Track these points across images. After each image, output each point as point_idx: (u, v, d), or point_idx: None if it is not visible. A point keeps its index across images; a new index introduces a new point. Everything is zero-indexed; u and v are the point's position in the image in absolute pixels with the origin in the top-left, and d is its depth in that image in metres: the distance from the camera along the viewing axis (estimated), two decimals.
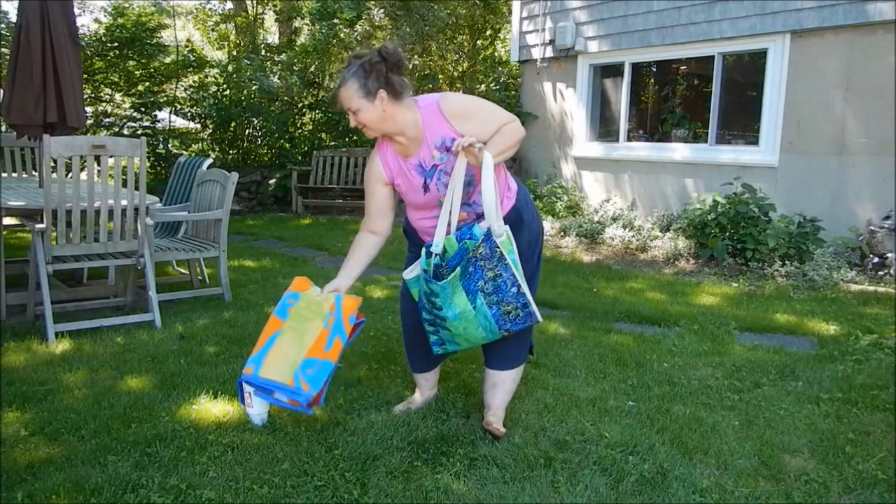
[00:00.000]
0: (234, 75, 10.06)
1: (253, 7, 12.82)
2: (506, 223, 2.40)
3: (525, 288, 2.33)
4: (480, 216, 2.41)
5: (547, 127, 8.80)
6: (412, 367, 2.82)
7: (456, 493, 2.14)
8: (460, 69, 12.27)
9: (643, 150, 7.83)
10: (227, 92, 10.30)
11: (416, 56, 10.78)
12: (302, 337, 2.39)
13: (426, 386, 2.82)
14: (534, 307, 2.35)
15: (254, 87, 9.85)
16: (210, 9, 13.04)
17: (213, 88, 10.57)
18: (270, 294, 4.70)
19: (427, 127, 2.36)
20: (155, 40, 10.32)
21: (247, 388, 2.69)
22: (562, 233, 7.36)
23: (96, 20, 11.45)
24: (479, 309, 2.31)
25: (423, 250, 2.37)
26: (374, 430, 2.53)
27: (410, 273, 2.47)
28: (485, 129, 2.36)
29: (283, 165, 10.31)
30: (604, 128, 8.40)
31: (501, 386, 2.61)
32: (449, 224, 2.40)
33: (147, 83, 10.46)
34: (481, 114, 2.40)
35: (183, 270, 5.20)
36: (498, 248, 2.30)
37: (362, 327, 2.56)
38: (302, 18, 11.61)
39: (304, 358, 2.33)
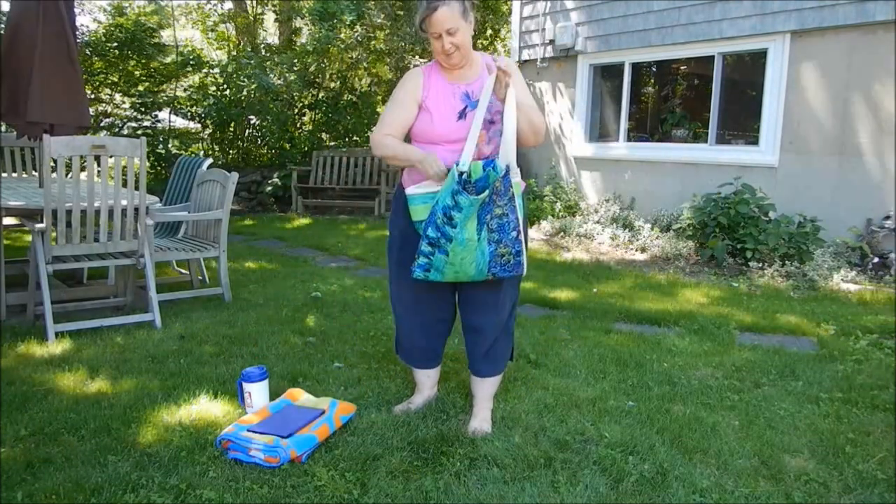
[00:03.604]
0: (234, 75, 10.07)
1: (253, 7, 12.82)
2: None
3: (523, 236, 2.38)
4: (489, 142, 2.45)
5: (547, 127, 8.78)
6: (413, 363, 2.81)
7: (456, 493, 2.14)
8: None
9: (643, 150, 7.83)
10: (227, 92, 10.31)
11: (416, 56, 10.78)
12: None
13: (426, 385, 2.83)
14: (524, 258, 2.40)
15: (253, 86, 9.84)
16: (210, 9, 13.02)
17: (213, 89, 10.58)
18: (270, 294, 4.70)
19: (487, 63, 2.49)
20: (154, 40, 10.32)
21: (247, 387, 2.70)
22: (561, 233, 7.36)
23: (95, 20, 11.45)
24: (481, 242, 2.33)
25: (455, 166, 2.35)
26: (374, 430, 2.53)
27: (417, 189, 2.42)
28: (523, 99, 2.48)
29: (283, 165, 10.31)
30: (604, 128, 8.40)
31: (489, 381, 2.70)
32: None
33: (147, 83, 10.46)
34: (526, 90, 2.54)
35: (183, 270, 5.20)
36: (511, 187, 2.34)
37: (353, 416, 2.66)
38: (302, 18, 11.61)
39: None
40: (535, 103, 2.54)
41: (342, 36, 10.41)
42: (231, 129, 10.84)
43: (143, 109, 10.26)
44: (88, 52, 9.59)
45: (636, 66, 7.93)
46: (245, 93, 10.17)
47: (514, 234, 2.35)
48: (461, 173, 2.32)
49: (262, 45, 12.40)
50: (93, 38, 9.88)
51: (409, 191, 2.43)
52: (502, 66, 2.34)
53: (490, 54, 2.61)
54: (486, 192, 2.28)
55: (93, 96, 9.90)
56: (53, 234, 3.55)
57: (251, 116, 10.62)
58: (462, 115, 2.46)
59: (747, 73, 7.28)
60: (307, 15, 10.78)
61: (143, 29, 10.07)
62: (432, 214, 2.34)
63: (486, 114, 2.41)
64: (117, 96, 10.50)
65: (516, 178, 2.38)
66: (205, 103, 10.22)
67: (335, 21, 10.12)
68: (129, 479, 2.15)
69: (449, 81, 2.51)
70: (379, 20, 10.75)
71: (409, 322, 2.73)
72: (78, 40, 4.31)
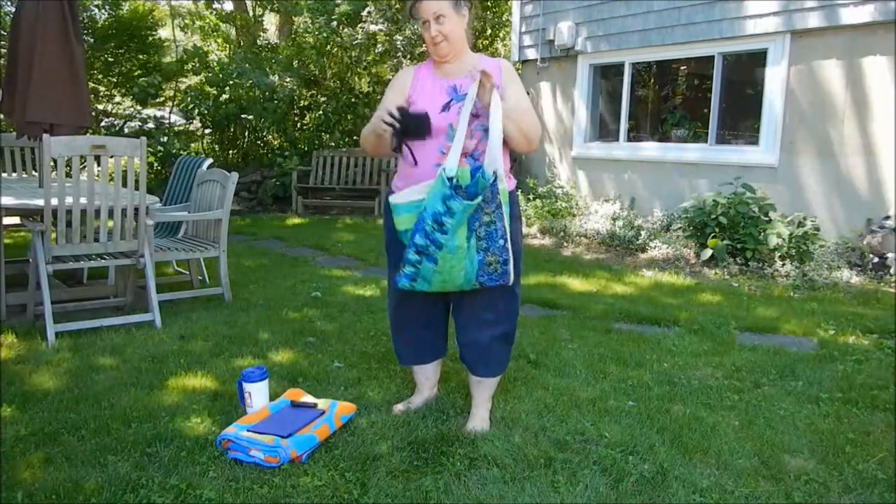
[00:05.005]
0: (234, 75, 10.06)
1: (253, 7, 12.82)
2: None
3: (509, 245, 2.34)
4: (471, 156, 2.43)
5: (547, 127, 8.80)
6: (410, 360, 2.79)
7: (456, 493, 2.14)
8: None
9: (643, 150, 7.83)
10: (227, 92, 10.31)
11: (413, 61, 10.78)
12: None
13: (426, 385, 2.82)
14: (511, 267, 2.35)
15: (247, 84, 9.83)
16: (211, 9, 13.02)
17: (213, 89, 10.57)
18: (270, 294, 4.70)
19: (483, 65, 2.47)
20: (154, 37, 10.32)
21: (247, 387, 2.70)
22: (561, 232, 7.36)
23: (92, 17, 11.43)
24: (470, 250, 2.30)
25: (442, 170, 2.29)
26: (374, 430, 2.53)
27: (400, 197, 2.34)
28: (514, 104, 2.46)
29: (283, 165, 10.31)
30: (604, 128, 8.40)
31: (487, 382, 2.67)
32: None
33: (146, 82, 10.47)
34: (524, 97, 2.52)
35: (183, 270, 5.20)
36: (499, 194, 2.31)
37: (353, 416, 2.65)
38: (300, 15, 11.61)
39: None
40: (529, 105, 2.51)
41: (343, 36, 10.39)
42: (231, 129, 10.83)
43: (142, 108, 10.26)
44: (88, 52, 9.59)
45: (636, 66, 7.93)
46: (245, 93, 10.15)
47: (501, 241, 2.31)
48: (450, 178, 2.27)
49: (263, 46, 12.40)
50: (96, 35, 9.87)
51: (393, 199, 2.35)
52: (488, 69, 2.33)
53: (489, 56, 2.60)
54: (479, 197, 2.25)
55: (93, 96, 9.90)
56: (53, 234, 3.55)
57: (251, 116, 10.61)
58: (446, 107, 2.43)
59: (747, 73, 7.29)
60: (305, 9, 10.78)
61: (141, 19, 10.03)
62: (420, 222, 2.28)
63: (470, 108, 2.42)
64: (117, 96, 10.50)
65: (502, 184, 2.33)
66: (205, 103, 10.21)
67: (333, 15, 10.09)
68: (129, 479, 2.15)
69: (437, 77, 2.51)
70: (377, 27, 10.71)
71: (400, 315, 2.71)
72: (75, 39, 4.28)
